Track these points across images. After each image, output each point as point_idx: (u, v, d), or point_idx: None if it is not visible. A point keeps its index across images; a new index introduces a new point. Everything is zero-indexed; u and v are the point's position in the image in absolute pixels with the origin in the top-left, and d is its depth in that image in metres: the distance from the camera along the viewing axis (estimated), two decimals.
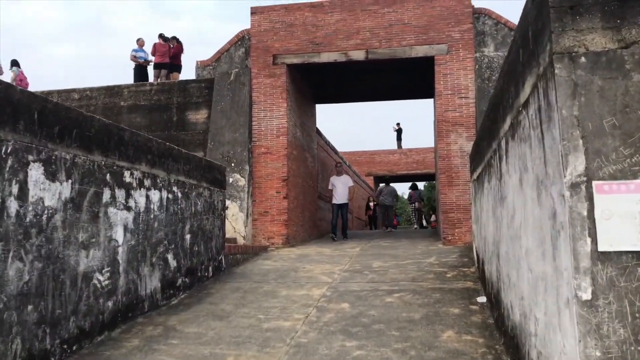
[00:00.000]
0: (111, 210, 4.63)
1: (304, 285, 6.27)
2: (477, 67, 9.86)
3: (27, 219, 3.62)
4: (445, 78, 9.86)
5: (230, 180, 9.92)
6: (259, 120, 10.50)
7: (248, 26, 10.88)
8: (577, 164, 2.10)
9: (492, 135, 4.28)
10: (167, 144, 5.88)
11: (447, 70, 9.86)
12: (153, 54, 13.01)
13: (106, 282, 4.51)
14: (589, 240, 2.06)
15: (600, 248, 2.04)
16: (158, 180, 5.49)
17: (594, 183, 2.08)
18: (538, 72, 2.50)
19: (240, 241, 9.67)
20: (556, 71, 2.16)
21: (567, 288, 2.15)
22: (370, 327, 4.52)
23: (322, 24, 10.35)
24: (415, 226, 21.14)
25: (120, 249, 4.74)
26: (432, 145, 17.97)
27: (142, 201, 5.14)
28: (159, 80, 12.52)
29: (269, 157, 10.40)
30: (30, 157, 3.67)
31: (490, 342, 4.07)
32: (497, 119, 3.97)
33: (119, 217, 4.75)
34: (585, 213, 2.07)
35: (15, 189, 3.52)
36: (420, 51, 10.04)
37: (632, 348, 1.97)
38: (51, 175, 3.88)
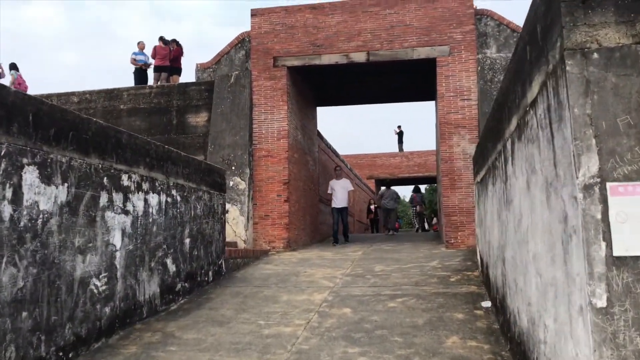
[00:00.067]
0: (108, 214, 4.54)
1: (305, 290, 6.17)
2: (479, 68, 9.78)
3: (22, 224, 3.53)
4: (447, 80, 9.78)
5: (231, 183, 9.84)
6: (259, 123, 10.42)
7: (249, 29, 10.82)
8: (590, 165, 2.01)
9: (497, 137, 4.19)
10: (166, 146, 5.80)
11: (449, 72, 9.78)
12: (153, 56, 12.95)
13: (103, 287, 4.42)
14: (603, 244, 1.96)
15: (616, 253, 1.94)
16: (156, 184, 5.40)
17: (608, 185, 1.98)
18: (547, 69, 2.41)
19: (241, 245, 9.57)
20: (567, 68, 2.07)
21: (580, 295, 2.06)
22: (372, 332, 4.42)
23: (323, 26, 10.28)
24: (417, 226, 21.03)
25: (117, 254, 4.65)
26: (434, 148, 17.88)
27: (140, 205, 5.05)
28: (158, 83, 12.46)
29: (270, 160, 10.31)
30: (25, 160, 3.59)
31: (496, 349, 3.97)
32: (502, 120, 3.87)
33: (117, 221, 4.66)
34: (599, 216, 1.98)
35: (9, 192, 3.43)
36: (422, 53, 9.96)
37: None
38: (46, 179, 3.80)
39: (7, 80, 11.72)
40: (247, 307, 5.43)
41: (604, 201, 1.98)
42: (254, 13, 10.68)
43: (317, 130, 14.15)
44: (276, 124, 10.36)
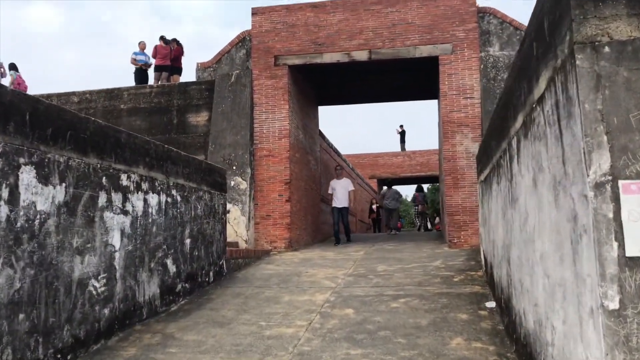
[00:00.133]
0: (107, 214, 4.49)
1: (307, 290, 6.11)
2: (482, 66, 9.70)
3: (18, 224, 3.47)
4: (450, 78, 9.70)
5: (232, 183, 9.78)
6: (260, 122, 10.35)
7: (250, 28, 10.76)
8: (602, 162, 1.94)
9: (502, 135, 4.12)
10: (165, 146, 5.74)
11: (451, 70, 9.70)
12: (154, 56, 12.89)
13: (102, 288, 4.36)
14: (615, 244, 1.89)
15: (628, 253, 1.88)
16: (156, 184, 5.34)
17: (620, 182, 1.92)
18: (555, 64, 2.34)
19: (242, 245, 9.51)
20: (577, 62, 2.00)
21: (591, 296, 1.99)
22: (375, 334, 4.35)
23: (324, 24, 10.21)
24: (419, 225, 20.95)
25: (117, 255, 4.60)
26: (436, 147, 17.80)
27: (139, 205, 5.00)
28: (159, 82, 12.40)
29: (271, 159, 10.24)
30: (22, 160, 3.53)
31: (501, 350, 3.90)
32: (507, 118, 3.80)
33: (116, 222, 4.60)
34: (611, 215, 1.91)
35: (5, 192, 3.37)
36: (424, 51, 9.88)
37: None
38: (44, 179, 3.74)
39: (7, 81, 11.68)
40: (248, 308, 5.37)
41: (616, 200, 1.91)
42: (255, 12, 10.61)
43: (319, 130, 14.08)
44: (277, 123, 10.29)
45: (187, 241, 6.02)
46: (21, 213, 3.51)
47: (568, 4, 2.05)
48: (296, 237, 10.61)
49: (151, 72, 13.21)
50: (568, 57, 2.12)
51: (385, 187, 16.84)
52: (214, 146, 10.25)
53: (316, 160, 13.33)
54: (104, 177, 4.45)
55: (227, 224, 8.57)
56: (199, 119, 10.56)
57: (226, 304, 5.60)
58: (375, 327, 4.54)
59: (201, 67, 11.00)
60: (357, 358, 3.83)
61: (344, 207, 11.55)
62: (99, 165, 4.38)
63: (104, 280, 4.39)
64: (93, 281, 4.25)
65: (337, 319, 4.85)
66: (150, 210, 5.18)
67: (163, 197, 5.46)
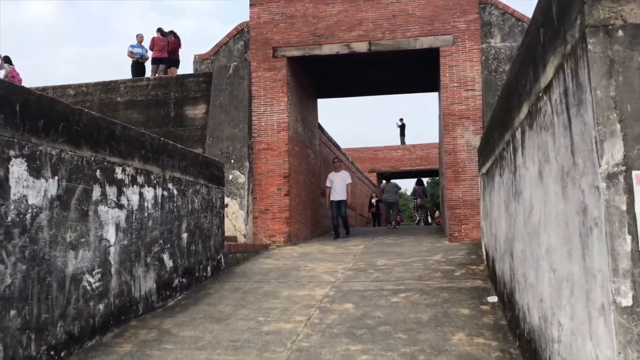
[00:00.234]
0: (102, 208, 4.39)
1: (306, 285, 6.03)
2: (483, 58, 9.58)
3: (9, 218, 3.38)
4: (450, 70, 9.58)
5: (230, 177, 9.68)
6: (258, 115, 10.24)
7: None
8: (615, 152, 1.84)
9: (505, 126, 4.02)
10: (162, 139, 5.64)
11: (452, 62, 9.58)
12: (151, 48, 12.75)
13: (97, 284, 4.28)
14: (628, 238, 1.80)
15: None
16: (152, 177, 5.24)
17: (634, 173, 1.82)
18: (564, 51, 2.23)
19: (241, 239, 9.43)
20: (589, 47, 1.90)
21: (602, 292, 1.90)
22: (375, 329, 4.27)
23: (324, 15, 10.06)
24: (418, 219, 20.90)
25: (112, 249, 4.51)
26: (436, 140, 17.69)
27: (135, 199, 4.90)
28: (156, 75, 12.27)
29: (270, 153, 10.14)
30: (12, 153, 3.43)
31: (504, 346, 3.82)
32: (511, 108, 3.70)
33: (110, 216, 4.51)
34: (624, 207, 1.81)
35: None
36: (425, 42, 9.75)
37: None
38: (35, 172, 3.64)
39: (1, 74, 11.56)
40: (247, 303, 5.29)
41: (629, 191, 1.82)
42: (253, 3, 10.46)
43: (318, 123, 13.97)
44: (276, 116, 10.18)
45: (184, 235, 5.93)
46: (12, 207, 3.41)
47: None
48: (295, 232, 10.53)
49: (148, 65, 13.08)
50: (579, 42, 2.01)
51: (384, 181, 16.77)
52: (211, 139, 10.14)
53: (315, 153, 13.22)
54: (98, 170, 4.35)
55: (226, 218, 8.49)
56: (197, 111, 10.45)
57: (224, 299, 5.53)
58: (375, 322, 4.46)
59: (199, 59, 10.87)
60: (357, 354, 3.75)
61: (342, 200, 11.34)
62: (92, 158, 4.28)
63: (99, 276, 4.31)
64: (87, 276, 4.16)
65: (337, 314, 4.77)
66: (146, 204, 5.09)
67: (159, 191, 5.37)
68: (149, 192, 5.15)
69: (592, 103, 1.90)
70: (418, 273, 6.38)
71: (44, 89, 10.97)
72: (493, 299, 4.98)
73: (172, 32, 12.96)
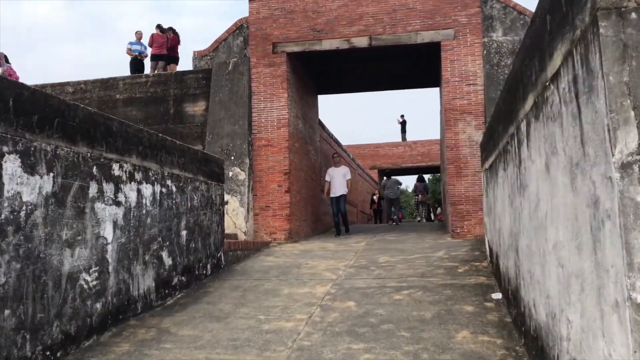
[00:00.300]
0: (99, 205, 4.31)
1: (307, 283, 5.95)
2: (485, 52, 9.47)
3: (2, 216, 3.30)
4: (452, 64, 9.48)
5: (230, 174, 9.60)
6: (258, 111, 10.15)
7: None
8: (629, 140, 1.75)
9: (509, 119, 3.93)
10: (160, 135, 5.56)
11: (454, 57, 9.48)
12: (150, 44, 12.66)
13: (94, 282, 4.20)
14: None
15: None
16: (150, 174, 5.16)
17: None
18: (573, 37, 2.14)
19: (241, 237, 9.35)
20: (601, 30, 1.81)
21: (616, 288, 1.81)
22: (378, 327, 4.19)
23: (323, 10, 9.96)
24: (419, 219, 20.82)
25: (109, 247, 4.43)
26: (437, 137, 17.59)
27: (132, 196, 4.82)
28: (155, 71, 12.18)
29: (270, 149, 10.05)
30: (5, 149, 3.35)
31: (509, 343, 3.74)
32: (515, 100, 3.61)
33: (108, 213, 4.43)
34: (639, 198, 1.72)
35: None
36: (426, 37, 9.65)
37: None
38: (30, 168, 3.56)
39: None
40: (247, 301, 5.21)
41: None
42: None
43: (319, 119, 13.87)
44: (276, 112, 10.09)
45: (183, 233, 5.85)
46: (5, 204, 3.33)
47: None
48: (296, 229, 10.45)
49: (147, 63, 12.99)
50: (589, 26, 1.92)
51: (385, 178, 16.70)
52: (211, 136, 10.06)
53: (316, 150, 13.13)
54: (94, 167, 4.27)
55: (226, 215, 8.41)
56: (196, 108, 10.36)
57: (224, 297, 5.45)
58: (377, 320, 4.38)
59: (198, 56, 10.78)
60: (359, 353, 3.67)
61: (342, 195, 11.14)
62: (89, 154, 4.20)
63: (96, 274, 4.23)
64: (84, 275, 4.08)
65: (338, 312, 4.69)
66: (144, 201, 5.01)
67: (157, 188, 5.29)
68: (147, 189, 5.07)
69: (604, 89, 1.81)
70: (421, 270, 6.30)
71: (43, 86, 10.89)
72: (497, 295, 4.90)
73: (171, 29, 12.87)
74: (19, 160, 3.47)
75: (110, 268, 4.43)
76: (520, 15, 9.51)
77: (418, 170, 27.76)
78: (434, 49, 9.88)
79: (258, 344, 3.93)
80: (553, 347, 2.81)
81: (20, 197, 3.47)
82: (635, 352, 1.69)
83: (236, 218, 9.50)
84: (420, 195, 21.53)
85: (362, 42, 9.85)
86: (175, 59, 12.80)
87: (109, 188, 4.46)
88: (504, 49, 9.40)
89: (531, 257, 3.39)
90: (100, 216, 4.32)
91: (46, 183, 3.71)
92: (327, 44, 9.95)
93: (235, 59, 10.37)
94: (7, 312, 3.29)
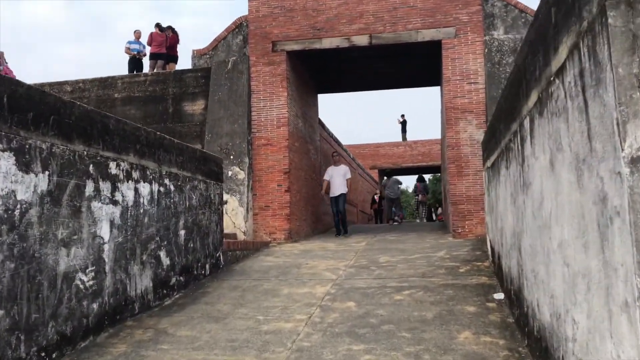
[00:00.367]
0: (95, 204, 4.25)
1: (306, 283, 5.89)
2: (486, 50, 9.41)
3: None
4: (453, 63, 9.41)
5: (229, 173, 9.53)
6: (258, 110, 10.08)
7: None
8: (638, 134, 1.69)
9: (512, 116, 3.87)
10: (158, 133, 5.50)
11: (455, 55, 9.41)
12: (149, 43, 12.60)
13: (90, 282, 4.14)
14: None
15: None
16: (148, 172, 5.10)
17: None
18: (579, 29, 2.08)
19: (241, 237, 9.29)
20: (610, 20, 1.75)
21: (625, 287, 1.75)
22: (378, 328, 4.13)
23: (323, 8, 9.90)
24: (418, 220, 20.76)
25: (106, 247, 4.37)
26: (438, 137, 17.52)
27: (130, 195, 4.76)
28: (154, 70, 12.12)
29: (270, 149, 9.99)
30: None
31: (512, 344, 3.68)
32: (518, 97, 3.55)
33: (104, 212, 4.37)
34: None
35: None
36: (426, 35, 9.59)
37: None
38: (24, 166, 3.50)
39: None
40: (246, 302, 5.15)
41: None
42: None
43: (319, 118, 13.81)
44: (275, 111, 10.02)
45: (182, 232, 5.79)
46: None
47: None
48: (296, 228, 10.38)
49: (146, 62, 12.93)
50: (597, 16, 1.86)
51: (385, 178, 16.65)
52: (210, 135, 10.00)
53: (316, 149, 13.07)
54: (91, 165, 4.21)
55: (225, 215, 8.35)
56: (195, 107, 10.30)
57: (222, 297, 5.39)
58: (378, 320, 4.32)
59: (197, 54, 10.72)
60: (359, 354, 3.61)
61: (341, 194, 10.95)
62: (85, 152, 4.14)
63: (92, 274, 4.17)
64: (80, 275, 4.02)
65: (338, 312, 4.63)
66: (141, 200, 4.95)
67: (155, 187, 5.22)
68: (144, 188, 5.01)
69: (613, 82, 1.75)
70: (422, 270, 6.24)
71: (41, 85, 10.83)
72: (499, 295, 4.84)
73: (170, 28, 12.81)
74: (14, 158, 3.41)
75: (107, 268, 4.37)
76: (521, 14, 9.45)
77: (418, 170, 27.70)
78: (435, 47, 9.82)
79: (257, 345, 3.87)
80: (558, 348, 2.75)
81: (15, 196, 3.41)
82: None
83: (235, 218, 9.44)
84: (420, 196, 21.48)
85: (362, 40, 9.78)
86: (174, 58, 12.74)
87: (105, 187, 4.40)
88: (505, 47, 9.34)
89: (535, 256, 3.32)
90: (96, 215, 4.26)
91: (41, 181, 3.65)
92: (327, 43, 9.89)
93: (234, 58, 10.30)
94: (1, 312, 3.23)
